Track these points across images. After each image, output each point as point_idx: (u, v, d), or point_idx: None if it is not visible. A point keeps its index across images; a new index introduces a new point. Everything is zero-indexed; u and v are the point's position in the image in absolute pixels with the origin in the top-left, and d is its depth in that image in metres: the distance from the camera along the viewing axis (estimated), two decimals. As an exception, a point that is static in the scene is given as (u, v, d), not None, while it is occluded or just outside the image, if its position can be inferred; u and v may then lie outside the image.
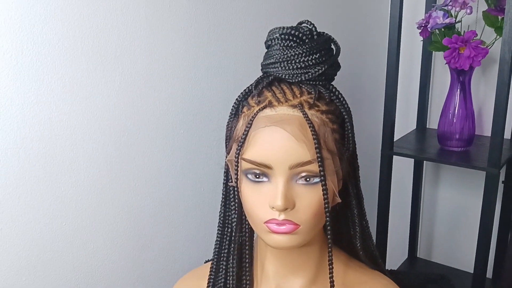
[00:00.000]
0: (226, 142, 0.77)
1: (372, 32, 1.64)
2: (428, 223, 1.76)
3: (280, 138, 0.66)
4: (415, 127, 1.60)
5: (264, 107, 0.69)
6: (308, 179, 0.68)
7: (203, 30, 1.08)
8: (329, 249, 0.71)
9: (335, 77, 0.75)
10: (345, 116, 0.73)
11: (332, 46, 0.74)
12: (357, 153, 0.79)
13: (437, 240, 1.76)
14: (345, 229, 0.82)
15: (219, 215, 0.81)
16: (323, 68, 0.70)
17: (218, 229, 0.81)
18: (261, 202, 0.69)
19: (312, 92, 0.69)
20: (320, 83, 0.71)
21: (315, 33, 0.72)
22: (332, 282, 0.72)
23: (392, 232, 1.56)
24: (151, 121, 1.02)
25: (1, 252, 0.84)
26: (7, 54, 0.78)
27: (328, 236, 0.70)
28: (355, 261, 0.83)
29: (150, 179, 1.04)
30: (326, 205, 0.68)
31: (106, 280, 1.01)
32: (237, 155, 0.70)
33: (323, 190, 0.67)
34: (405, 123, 1.65)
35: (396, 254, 1.71)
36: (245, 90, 0.74)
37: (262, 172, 0.68)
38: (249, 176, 0.69)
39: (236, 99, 0.75)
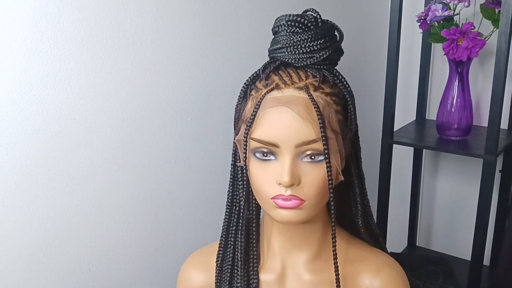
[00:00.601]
0: (234, 124, 0.81)
1: (373, 25, 1.68)
2: (427, 212, 1.81)
3: (287, 118, 0.70)
4: (414, 118, 1.64)
5: (272, 89, 0.73)
6: (313, 157, 0.72)
7: (210, 21, 1.12)
8: (333, 224, 0.75)
9: (338, 64, 0.79)
10: (348, 99, 0.77)
11: (336, 33, 0.78)
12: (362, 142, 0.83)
13: (436, 229, 1.80)
14: (347, 208, 0.86)
15: (228, 194, 0.85)
16: (327, 53, 0.74)
17: (226, 207, 0.85)
18: (268, 179, 0.73)
19: (317, 76, 0.74)
20: (324, 67, 0.75)
21: (319, 20, 0.76)
22: (335, 255, 0.76)
23: (392, 221, 1.60)
24: (161, 107, 1.06)
25: (20, 230, 0.88)
26: (27, 41, 0.82)
27: (332, 211, 0.74)
28: (356, 239, 0.87)
29: (159, 163, 1.09)
30: (330, 182, 0.72)
31: (117, 259, 1.05)
32: (245, 135, 0.74)
33: (327, 167, 0.71)
34: (404, 114, 1.70)
35: (395, 243, 1.75)
36: (253, 74, 0.78)
37: (269, 150, 0.72)
38: (257, 154, 0.73)
39: (245, 83, 0.79)
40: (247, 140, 0.74)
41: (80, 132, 0.93)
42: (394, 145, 1.42)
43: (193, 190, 1.18)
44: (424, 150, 1.69)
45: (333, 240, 0.76)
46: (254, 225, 0.82)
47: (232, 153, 0.83)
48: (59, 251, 0.95)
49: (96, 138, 0.96)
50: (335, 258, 0.76)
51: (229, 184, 0.84)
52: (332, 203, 0.74)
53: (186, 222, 1.18)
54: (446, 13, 1.28)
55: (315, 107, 0.70)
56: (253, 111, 0.73)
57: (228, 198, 0.85)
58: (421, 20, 1.37)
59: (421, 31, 1.41)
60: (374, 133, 1.60)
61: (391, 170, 1.44)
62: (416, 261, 1.04)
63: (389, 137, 1.40)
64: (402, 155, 1.73)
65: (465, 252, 1.66)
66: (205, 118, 1.16)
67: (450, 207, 1.75)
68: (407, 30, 1.56)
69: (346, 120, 0.77)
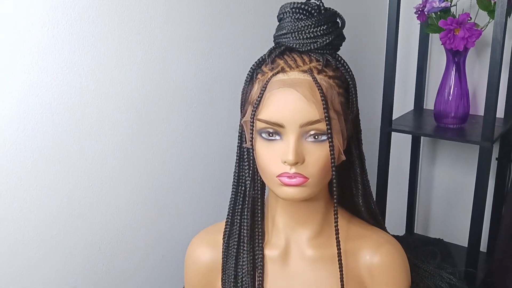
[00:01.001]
0: (241, 107, 0.85)
1: (372, 17, 1.72)
2: (425, 199, 1.85)
3: (292, 99, 0.74)
4: (412, 108, 1.68)
5: (277, 72, 0.77)
6: (316, 137, 0.76)
7: (216, 11, 1.16)
8: (335, 200, 0.79)
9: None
10: (350, 82, 0.81)
11: (338, 20, 0.82)
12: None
13: (433, 216, 1.85)
14: (348, 189, 0.90)
15: (234, 175, 0.89)
16: (330, 38, 0.78)
17: (232, 187, 0.89)
18: (274, 158, 0.77)
19: (320, 60, 0.78)
20: (327, 52, 0.79)
21: (322, 7, 0.80)
22: (337, 230, 0.80)
23: (390, 208, 1.65)
24: (168, 94, 1.10)
25: (34, 209, 0.92)
26: (44, 27, 0.86)
27: (334, 189, 0.78)
28: (357, 218, 0.91)
29: (167, 148, 1.13)
30: (332, 160, 0.76)
31: (127, 240, 1.09)
32: (252, 116, 0.78)
33: (330, 146, 0.76)
34: (403, 104, 1.74)
35: (394, 230, 1.79)
36: (259, 59, 0.82)
37: (275, 131, 0.76)
38: (263, 135, 0.77)
39: (251, 67, 0.83)
40: (254, 121, 0.78)
41: (92, 116, 0.97)
42: (392, 133, 1.46)
43: (199, 175, 1.22)
44: (422, 138, 1.73)
45: (335, 216, 0.80)
46: (259, 203, 0.86)
47: (238, 135, 0.87)
48: (71, 230, 0.99)
49: (108, 121, 1.00)
50: (337, 234, 0.80)
51: (235, 165, 0.88)
52: (334, 180, 0.78)
53: (193, 205, 1.22)
54: (443, 5, 1.32)
55: (318, 89, 0.74)
56: (260, 93, 0.77)
57: (234, 178, 0.89)
58: (419, 12, 1.41)
59: (419, 22, 1.45)
60: (373, 122, 1.64)
61: (389, 158, 1.48)
62: (414, 243, 1.08)
63: (387, 125, 1.44)
64: (401, 144, 1.77)
65: (462, 238, 1.70)
66: (210, 106, 1.20)
67: (448, 194, 1.79)
68: (406, 22, 1.60)
69: (347, 102, 0.81)
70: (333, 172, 0.77)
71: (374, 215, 0.93)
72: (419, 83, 1.64)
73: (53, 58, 0.88)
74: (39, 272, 0.96)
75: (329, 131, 0.75)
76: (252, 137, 0.79)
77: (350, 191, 0.90)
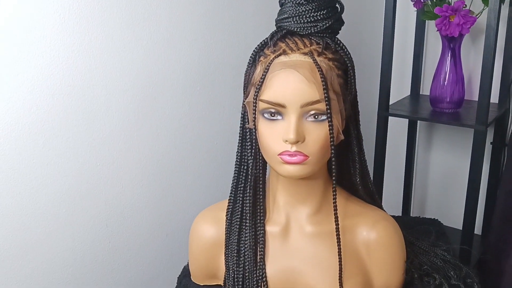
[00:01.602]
0: (244, 88, 0.89)
1: (370, 3, 1.75)
2: (421, 183, 1.90)
3: (293, 80, 0.78)
4: (409, 93, 1.72)
5: (279, 55, 0.81)
6: (316, 117, 0.79)
7: (229, 3, 1.18)
8: (333, 179, 0.83)
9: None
10: (348, 64, 0.84)
11: (337, 5, 0.86)
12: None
13: (429, 199, 1.90)
14: (346, 168, 0.94)
15: (236, 155, 0.93)
16: (329, 22, 0.82)
17: (235, 166, 0.93)
18: (275, 137, 0.81)
19: (320, 43, 0.81)
20: (327, 35, 0.83)
21: None
22: (335, 207, 0.84)
23: (387, 191, 1.69)
24: (173, 77, 1.14)
25: (45, 186, 0.96)
26: (56, 13, 0.90)
27: (333, 167, 0.82)
28: (354, 197, 0.95)
29: (171, 129, 1.17)
30: (331, 139, 0.80)
31: (132, 218, 1.14)
32: (255, 97, 0.81)
33: (329, 126, 0.79)
34: (399, 90, 1.77)
35: (390, 212, 1.84)
36: (261, 42, 0.86)
37: (277, 111, 0.80)
38: (266, 115, 0.81)
39: (254, 50, 0.86)
40: (257, 101, 0.81)
41: (100, 97, 1.01)
42: (389, 118, 1.50)
43: (202, 156, 1.26)
44: (418, 123, 1.77)
45: (334, 193, 0.84)
46: (261, 182, 0.90)
47: (241, 116, 0.90)
48: (80, 207, 1.03)
49: (115, 103, 1.04)
50: (335, 210, 0.84)
51: (238, 145, 0.91)
52: (333, 159, 0.82)
53: (197, 185, 1.26)
54: (440, -8, 1.35)
55: (319, 70, 0.78)
56: (262, 75, 0.80)
57: (237, 157, 0.92)
58: (416, -1, 1.44)
59: (416, 9, 1.48)
60: (371, 107, 1.68)
61: (386, 142, 1.52)
62: (410, 222, 1.12)
63: (384, 110, 1.48)
64: (398, 128, 1.81)
65: (458, 221, 1.75)
66: (213, 88, 1.24)
67: (444, 178, 1.84)
68: (402, 9, 1.63)
69: (346, 83, 0.85)
70: (332, 151, 0.81)
71: (371, 194, 0.97)
72: (415, 69, 1.68)
73: (64, 42, 0.92)
74: (50, 247, 1.00)
75: (328, 111, 0.78)
76: (254, 118, 0.83)
77: (348, 170, 0.94)
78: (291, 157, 0.80)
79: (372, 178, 1.53)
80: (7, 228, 0.93)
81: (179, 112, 1.17)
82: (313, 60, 0.79)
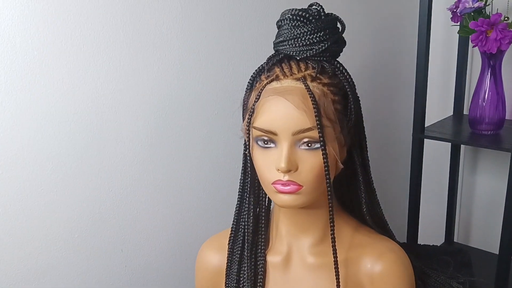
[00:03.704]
0: (242, 115, 0.87)
1: (405, 18, 1.67)
2: (466, 208, 1.77)
3: (283, 107, 0.75)
4: (452, 113, 1.62)
5: (272, 81, 0.78)
6: (309, 145, 0.76)
7: (235, 19, 1.18)
8: (330, 209, 0.79)
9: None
10: (348, 89, 0.80)
11: (338, 25, 0.82)
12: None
13: (475, 225, 1.77)
14: (354, 197, 0.89)
15: (239, 181, 0.90)
16: (326, 45, 0.78)
17: (238, 194, 0.90)
18: (269, 165, 0.78)
19: (316, 67, 0.78)
20: (324, 58, 0.79)
21: (322, 13, 0.80)
22: (333, 239, 0.80)
23: (427, 217, 1.59)
24: (187, 101, 1.13)
25: (55, 212, 0.99)
26: (57, 40, 0.92)
27: (329, 197, 0.78)
28: (364, 227, 0.90)
29: (188, 154, 1.16)
30: (326, 168, 0.76)
31: (149, 242, 1.14)
32: (247, 124, 0.79)
33: (322, 154, 0.75)
34: (442, 109, 1.68)
35: (432, 239, 1.73)
36: (259, 67, 0.84)
37: (269, 138, 0.77)
38: (259, 142, 0.78)
39: (251, 76, 0.84)
40: (249, 128, 0.79)
41: (110, 124, 1.02)
42: (432, 141, 1.41)
43: (220, 180, 1.24)
44: (462, 145, 1.66)
45: (331, 224, 0.80)
46: (263, 210, 0.87)
47: (244, 143, 0.88)
48: (93, 232, 1.05)
49: (126, 130, 1.05)
50: (333, 242, 0.80)
51: (241, 172, 0.89)
52: (329, 189, 0.77)
53: (214, 210, 1.25)
54: (476, 5, 1.27)
55: (310, 97, 0.74)
56: (254, 101, 0.78)
57: (240, 184, 0.90)
58: (453, 13, 1.36)
59: (457, 23, 1.39)
60: (408, 128, 1.60)
61: (422, 165, 1.44)
62: (433, 251, 1.04)
63: (419, 132, 1.40)
64: (441, 151, 1.71)
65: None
66: (231, 113, 1.22)
67: (490, 202, 1.71)
68: (444, 23, 1.54)
69: (345, 109, 0.80)
70: (327, 181, 0.77)
71: (381, 224, 0.91)
72: (458, 87, 1.58)
73: (68, 69, 0.94)
74: (63, 272, 1.02)
75: (321, 138, 0.75)
76: (248, 144, 0.81)
77: (356, 199, 0.89)
78: (284, 186, 0.77)
79: (408, 202, 1.46)
80: (20, 253, 0.95)
81: (195, 136, 1.17)
82: (305, 85, 0.75)
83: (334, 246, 0.80)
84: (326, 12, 0.81)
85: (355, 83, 0.84)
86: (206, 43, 1.14)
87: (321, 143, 0.75)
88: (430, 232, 1.71)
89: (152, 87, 1.07)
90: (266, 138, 0.77)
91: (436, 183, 1.73)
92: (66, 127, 0.96)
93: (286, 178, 0.76)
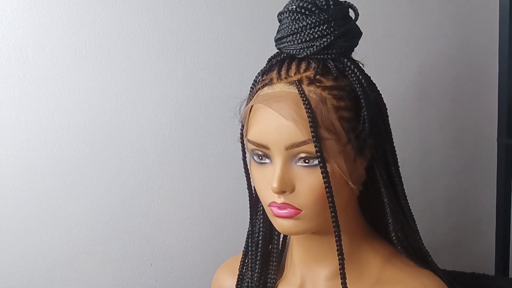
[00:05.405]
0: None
1: (483, 11, 1.41)
2: None
3: (273, 117, 0.63)
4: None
5: (264, 85, 0.67)
6: (307, 161, 0.63)
7: (266, 16, 1.05)
8: (336, 238, 0.65)
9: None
10: (359, 93, 0.66)
11: (349, 15, 0.68)
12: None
13: None
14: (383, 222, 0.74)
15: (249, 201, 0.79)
16: (328, 40, 0.65)
17: (250, 216, 0.80)
18: (265, 184, 0.67)
19: (316, 67, 0.65)
20: (329, 56, 0.66)
21: (331, 2, 0.67)
22: (342, 274, 0.66)
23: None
24: (218, 108, 1.04)
25: (78, 225, 0.97)
26: (71, 50, 0.89)
27: (333, 224, 0.64)
28: (400, 257, 0.74)
29: (218, 164, 1.06)
30: (327, 190, 0.63)
31: (179, 257, 1.07)
32: (241, 135, 0.69)
33: (322, 172, 0.62)
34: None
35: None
36: (262, 69, 0.72)
37: (263, 153, 0.66)
38: (255, 157, 0.68)
39: (254, 79, 0.73)
40: (243, 140, 0.69)
41: (133, 134, 0.98)
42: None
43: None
44: None
45: (339, 257, 0.66)
46: (276, 233, 0.77)
47: (242, 157, 0.77)
48: (119, 245, 1.01)
49: (150, 139, 0.99)
50: (343, 279, 0.66)
51: (247, 189, 0.79)
52: (332, 214, 0.64)
53: (246, 224, 1.14)
54: None
55: (304, 104, 0.62)
56: (245, 110, 0.68)
57: (250, 204, 0.79)
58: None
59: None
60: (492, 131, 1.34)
61: (511, 176, 1.19)
62: (484, 282, 0.84)
63: (505, 136, 1.16)
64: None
65: None
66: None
67: None
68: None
69: (357, 117, 0.66)
70: (330, 204, 0.63)
71: (422, 255, 0.74)
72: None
73: (83, 79, 0.91)
74: (89, 286, 1.00)
75: (318, 153, 0.62)
76: (244, 158, 0.71)
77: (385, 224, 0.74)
78: (279, 209, 0.65)
79: (495, 221, 1.22)
80: (43, 267, 0.95)
81: (228, 145, 1.07)
82: (299, 90, 0.63)
83: (344, 284, 0.66)
84: (336, 0, 0.67)
85: (375, 84, 0.69)
86: (238, 45, 1.03)
87: (319, 159, 0.62)
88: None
89: (176, 94, 1.00)
90: (260, 152, 0.66)
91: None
92: (86, 139, 0.94)
93: (281, 200, 0.65)
